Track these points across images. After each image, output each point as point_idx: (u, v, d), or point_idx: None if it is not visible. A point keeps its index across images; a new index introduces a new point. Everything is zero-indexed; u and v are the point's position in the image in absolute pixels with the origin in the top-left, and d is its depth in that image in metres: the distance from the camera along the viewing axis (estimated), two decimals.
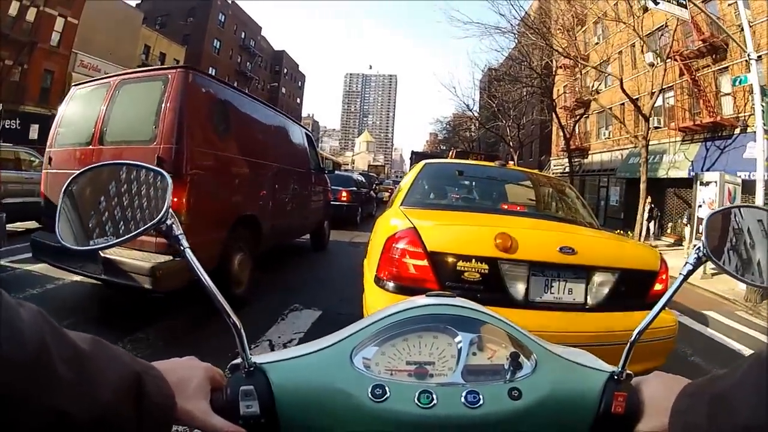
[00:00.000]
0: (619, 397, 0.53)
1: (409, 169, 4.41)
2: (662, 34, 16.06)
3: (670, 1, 9.16)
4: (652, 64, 15.19)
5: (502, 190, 3.20)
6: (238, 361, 0.52)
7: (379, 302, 1.96)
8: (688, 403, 0.44)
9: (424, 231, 2.02)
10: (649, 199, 13.63)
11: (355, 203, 11.76)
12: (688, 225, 11.31)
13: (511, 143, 25.98)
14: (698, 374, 0.48)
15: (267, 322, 3.71)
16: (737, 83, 10.35)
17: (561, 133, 21.68)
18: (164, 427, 0.43)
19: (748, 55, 8.41)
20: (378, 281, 2.07)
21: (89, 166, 0.54)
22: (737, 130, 13.76)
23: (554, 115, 21.17)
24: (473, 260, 1.95)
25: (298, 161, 6.04)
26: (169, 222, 0.51)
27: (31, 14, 18.80)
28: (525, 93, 23.89)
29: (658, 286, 2.16)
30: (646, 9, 14.90)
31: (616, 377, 0.55)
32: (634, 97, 14.16)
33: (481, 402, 0.51)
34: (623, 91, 13.42)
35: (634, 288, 2.12)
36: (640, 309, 2.06)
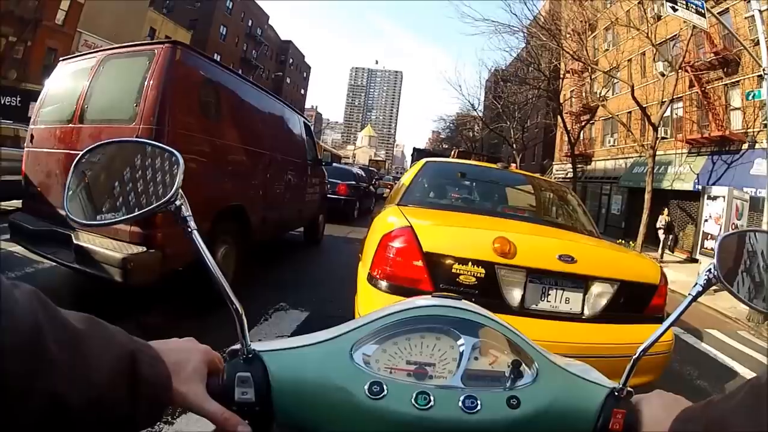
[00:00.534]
0: (618, 414, 0.52)
1: (410, 166, 4.31)
2: (675, 44, 15.84)
3: (688, 9, 8.91)
4: (662, 74, 14.98)
5: (502, 193, 3.16)
6: (237, 346, 0.52)
7: (371, 301, 1.92)
8: (685, 429, 0.44)
9: (420, 231, 1.98)
10: (666, 212, 13.34)
11: (353, 197, 11.52)
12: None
13: (514, 145, 25.83)
14: (699, 395, 0.33)
15: (248, 321, 3.48)
16: (750, 97, 10.19)
17: (565, 138, 21.54)
18: (158, 408, 0.43)
19: (763, 69, 8.23)
20: (371, 279, 2.02)
21: (101, 142, 0.55)
22: (745, 146, 13.57)
23: (560, 119, 20.93)
24: (470, 263, 1.91)
25: (295, 151, 5.80)
26: (178, 203, 0.50)
27: None
28: (531, 95, 23.68)
29: (656, 300, 2.12)
30: (659, 17, 14.71)
31: (616, 393, 0.54)
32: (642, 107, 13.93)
33: (479, 408, 0.50)
34: (633, 98, 13.16)
35: (632, 301, 2.08)
36: (638, 322, 2.04)
